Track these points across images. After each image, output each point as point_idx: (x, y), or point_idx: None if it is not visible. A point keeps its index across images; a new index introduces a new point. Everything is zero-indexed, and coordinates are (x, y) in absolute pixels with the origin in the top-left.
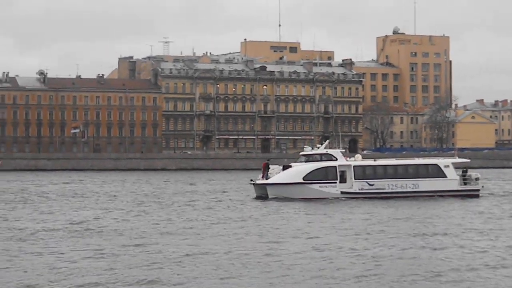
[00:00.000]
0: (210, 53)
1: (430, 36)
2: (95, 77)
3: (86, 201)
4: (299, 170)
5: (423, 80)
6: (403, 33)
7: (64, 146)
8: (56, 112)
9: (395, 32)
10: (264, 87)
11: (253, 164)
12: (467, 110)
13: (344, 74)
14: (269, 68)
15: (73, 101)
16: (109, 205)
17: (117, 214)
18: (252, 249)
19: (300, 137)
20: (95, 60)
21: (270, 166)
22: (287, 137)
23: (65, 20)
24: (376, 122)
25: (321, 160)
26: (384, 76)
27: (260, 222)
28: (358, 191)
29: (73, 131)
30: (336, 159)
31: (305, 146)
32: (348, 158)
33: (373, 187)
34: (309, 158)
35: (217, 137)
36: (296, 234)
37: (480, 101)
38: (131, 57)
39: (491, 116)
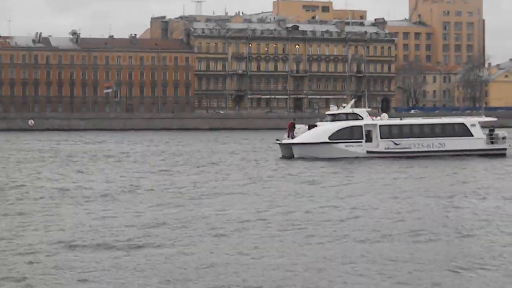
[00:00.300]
0: (242, 12)
1: None
2: (127, 37)
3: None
4: (324, 129)
5: (455, 39)
6: None
7: (96, 106)
8: (88, 72)
9: None
10: (296, 46)
11: (285, 124)
12: (501, 69)
13: (376, 33)
14: (301, 27)
15: (105, 61)
16: (137, 166)
17: (146, 175)
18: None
19: (332, 97)
20: (128, 20)
21: (296, 125)
22: (319, 97)
23: None
24: (409, 82)
25: (347, 120)
26: (417, 35)
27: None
28: (384, 150)
29: (105, 91)
30: (362, 118)
31: (331, 105)
32: (374, 118)
33: (399, 146)
34: (335, 118)
35: (249, 96)
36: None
37: None
38: (164, 17)
39: None
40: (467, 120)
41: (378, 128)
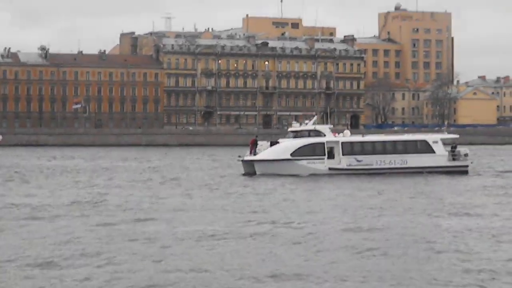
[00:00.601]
0: (211, 29)
1: (432, 13)
2: (96, 52)
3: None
4: (286, 146)
5: (424, 56)
6: (405, 9)
7: (65, 121)
8: (57, 88)
9: (397, 9)
10: (266, 63)
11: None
12: (469, 86)
13: (346, 50)
14: (271, 44)
15: (74, 76)
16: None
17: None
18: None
19: (301, 113)
20: (97, 35)
21: (258, 142)
22: (288, 113)
23: None
24: (378, 98)
25: (309, 136)
26: (386, 52)
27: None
28: (346, 167)
29: (74, 106)
30: (324, 135)
31: (293, 122)
32: (336, 134)
33: (361, 163)
34: (297, 134)
35: (218, 113)
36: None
37: (482, 78)
38: (133, 33)
39: (492, 93)
40: (429, 137)
41: (340, 145)
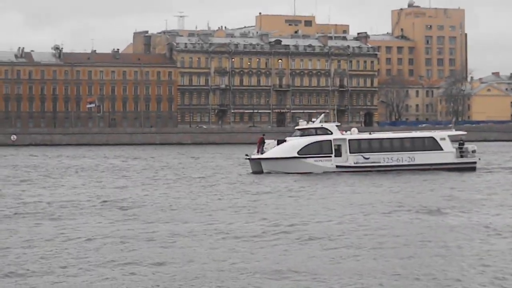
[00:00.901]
0: (225, 27)
1: (445, 9)
2: (110, 52)
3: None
4: (293, 144)
5: (438, 53)
6: (418, 6)
7: (79, 121)
8: (71, 87)
9: (410, 5)
10: (279, 61)
11: (269, 138)
12: (483, 83)
13: (359, 47)
14: (284, 42)
15: (88, 76)
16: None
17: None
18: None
19: (315, 111)
20: (110, 34)
21: (266, 140)
22: (302, 111)
23: None
24: (392, 96)
25: (316, 134)
26: (399, 49)
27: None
28: (353, 164)
29: (88, 106)
30: (331, 133)
31: (300, 120)
32: (343, 132)
33: (368, 160)
34: (304, 132)
35: (232, 111)
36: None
37: (496, 74)
38: (146, 32)
39: (506, 89)
40: (437, 134)
41: (347, 142)
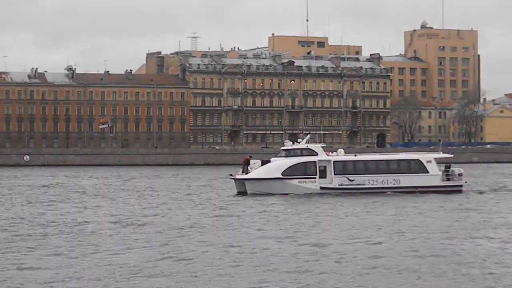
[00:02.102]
0: (237, 48)
1: (458, 30)
2: (123, 72)
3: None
4: (278, 165)
5: (451, 74)
6: (431, 27)
7: (92, 141)
8: (84, 108)
9: (423, 27)
10: (292, 82)
11: None
12: (496, 104)
13: (372, 68)
14: (297, 63)
15: (101, 96)
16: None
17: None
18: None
19: (328, 132)
20: (123, 55)
21: (251, 161)
22: (315, 132)
23: (92, 16)
24: (404, 117)
25: (301, 155)
26: (412, 70)
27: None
28: (337, 186)
29: (101, 126)
30: (317, 154)
31: (285, 141)
32: (330, 153)
33: (353, 182)
34: (289, 153)
35: (245, 132)
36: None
37: (509, 95)
38: (159, 53)
39: None
40: (423, 157)
41: (332, 164)
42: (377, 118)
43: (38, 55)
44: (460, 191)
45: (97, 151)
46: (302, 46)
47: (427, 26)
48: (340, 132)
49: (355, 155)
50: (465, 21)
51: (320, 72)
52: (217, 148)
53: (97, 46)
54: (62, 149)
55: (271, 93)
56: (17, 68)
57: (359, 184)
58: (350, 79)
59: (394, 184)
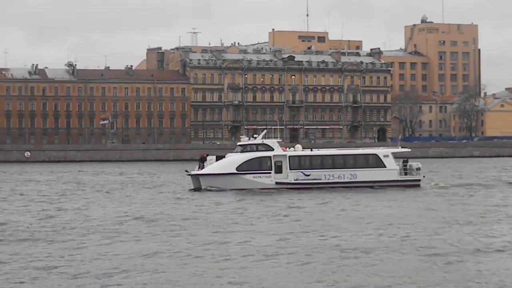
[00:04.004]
0: (238, 43)
1: (459, 25)
2: (123, 68)
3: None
4: (232, 160)
5: (451, 68)
6: (431, 22)
7: (93, 137)
8: (85, 104)
9: (423, 21)
10: (293, 77)
11: None
12: (496, 98)
13: (372, 63)
14: (297, 58)
15: (102, 92)
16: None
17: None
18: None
19: (328, 127)
20: (124, 51)
21: (208, 157)
22: (315, 127)
23: (92, 11)
24: (405, 111)
25: (257, 150)
26: (413, 65)
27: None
28: (293, 181)
29: (102, 122)
30: (273, 149)
31: (241, 136)
32: (287, 149)
33: (309, 177)
34: (245, 148)
35: (245, 127)
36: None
37: (509, 89)
38: (160, 48)
39: None
40: (380, 151)
41: (287, 159)
42: (377, 113)
43: (38, 51)
44: (418, 185)
45: (97, 147)
46: (302, 41)
47: (427, 20)
48: (341, 127)
49: (311, 150)
50: (465, 16)
51: (320, 67)
52: (218, 143)
53: (98, 41)
54: (63, 145)
55: (272, 88)
56: (18, 64)
57: (315, 179)
58: (351, 74)
59: (351, 178)
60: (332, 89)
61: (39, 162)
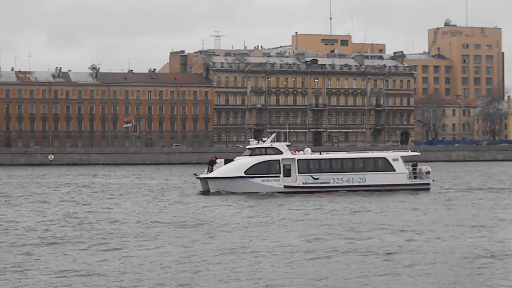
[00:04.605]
0: (261, 46)
1: (482, 28)
2: (146, 71)
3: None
4: (241, 163)
5: (475, 72)
6: (455, 25)
7: (116, 140)
8: (108, 107)
9: (446, 24)
10: (316, 80)
11: None
12: None
13: (395, 66)
14: (320, 61)
15: (125, 95)
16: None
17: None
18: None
19: (351, 130)
20: (147, 54)
21: (217, 160)
22: (338, 130)
23: (113, 16)
24: (428, 115)
25: (266, 154)
26: (436, 68)
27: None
28: (301, 185)
29: (125, 125)
30: (281, 153)
31: (250, 140)
32: (296, 152)
33: (317, 181)
34: (254, 152)
35: (268, 130)
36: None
37: None
38: (183, 51)
39: None
40: (389, 155)
41: (296, 162)
42: (400, 116)
43: (63, 54)
44: (427, 189)
45: (121, 150)
46: (325, 44)
47: (450, 23)
48: (364, 130)
49: (320, 153)
50: (489, 19)
51: (343, 70)
52: (241, 146)
53: (122, 45)
54: (86, 148)
55: (295, 92)
56: (42, 67)
57: (323, 183)
58: (374, 77)
59: (359, 182)
60: (355, 93)
61: (63, 165)
